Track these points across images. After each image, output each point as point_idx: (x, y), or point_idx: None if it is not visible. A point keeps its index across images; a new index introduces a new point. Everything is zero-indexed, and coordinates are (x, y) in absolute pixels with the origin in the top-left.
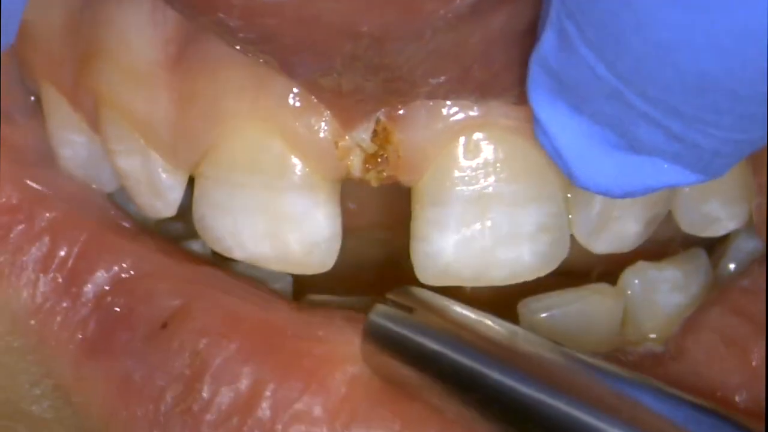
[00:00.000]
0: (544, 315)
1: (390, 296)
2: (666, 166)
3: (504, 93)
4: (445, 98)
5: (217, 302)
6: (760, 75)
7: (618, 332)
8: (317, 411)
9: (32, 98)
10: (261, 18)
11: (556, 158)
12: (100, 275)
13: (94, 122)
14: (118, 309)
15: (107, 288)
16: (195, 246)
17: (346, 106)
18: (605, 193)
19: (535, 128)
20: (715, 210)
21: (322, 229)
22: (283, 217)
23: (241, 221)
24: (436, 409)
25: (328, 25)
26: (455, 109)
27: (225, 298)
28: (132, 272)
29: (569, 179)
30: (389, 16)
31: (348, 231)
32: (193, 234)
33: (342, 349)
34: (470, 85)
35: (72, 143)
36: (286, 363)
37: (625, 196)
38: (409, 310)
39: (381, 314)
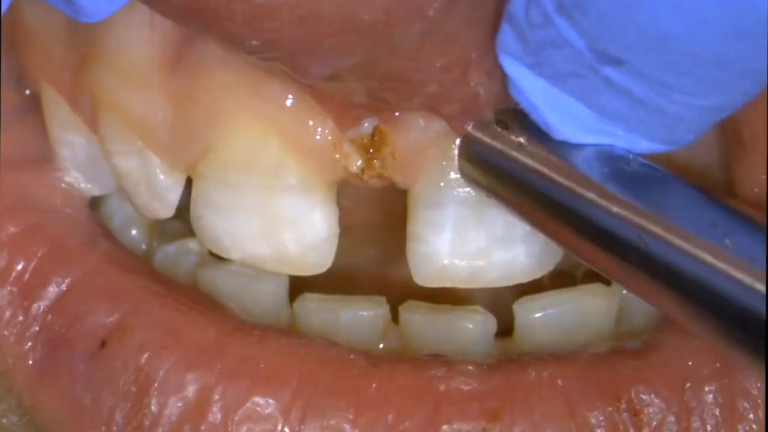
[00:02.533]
0: (539, 314)
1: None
2: (628, 132)
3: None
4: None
5: (154, 316)
6: (720, 37)
7: (612, 331)
8: (269, 408)
9: (21, 103)
10: (261, 22)
11: (532, 112)
12: (50, 291)
13: (93, 123)
14: (57, 329)
15: (50, 306)
16: (192, 245)
17: (344, 109)
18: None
19: (508, 85)
20: None
21: (319, 230)
22: (280, 218)
23: (238, 222)
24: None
25: (329, 19)
26: None
27: (163, 311)
28: (73, 289)
29: (548, 131)
30: None
31: (344, 229)
32: (191, 233)
33: (286, 354)
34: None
35: (71, 144)
36: (230, 366)
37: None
38: (506, 125)
39: (477, 127)
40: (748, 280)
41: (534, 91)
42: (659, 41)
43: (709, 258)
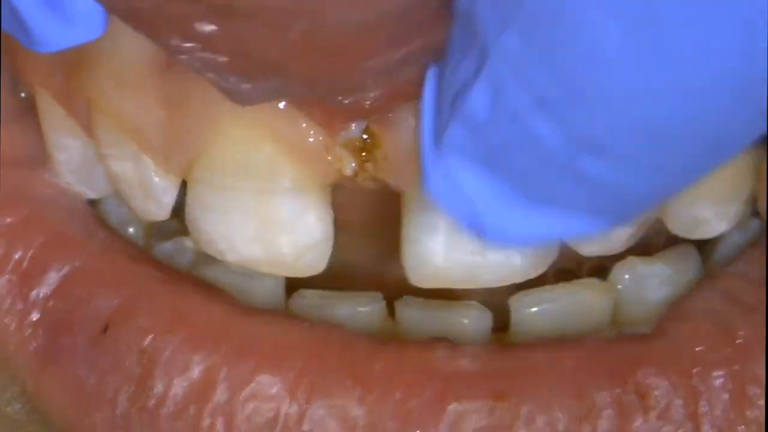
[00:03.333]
0: (534, 309)
1: None
2: (577, 215)
3: None
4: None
5: (157, 300)
6: (722, 108)
7: (609, 327)
8: (275, 387)
9: (17, 105)
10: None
11: (466, 221)
12: (51, 277)
13: (88, 127)
14: (59, 314)
15: (51, 292)
16: (188, 242)
17: (330, 114)
18: (512, 245)
19: (437, 191)
20: (705, 211)
21: (314, 232)
22: (274, 220)
23: (232, 225)
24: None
25: (262, 62)
26: None
27: (166, 295)
28: (75, 275)
29: (476, 233)
30: (322, 60)
31: (339, 225)
32: (187, 231)
33: (292, 335)
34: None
35: (66, 147)
36: (236, 347)
37: (529, 246)
38: None
39: None
40: None
41: (479, 194)
42: (658, 129)
43: None
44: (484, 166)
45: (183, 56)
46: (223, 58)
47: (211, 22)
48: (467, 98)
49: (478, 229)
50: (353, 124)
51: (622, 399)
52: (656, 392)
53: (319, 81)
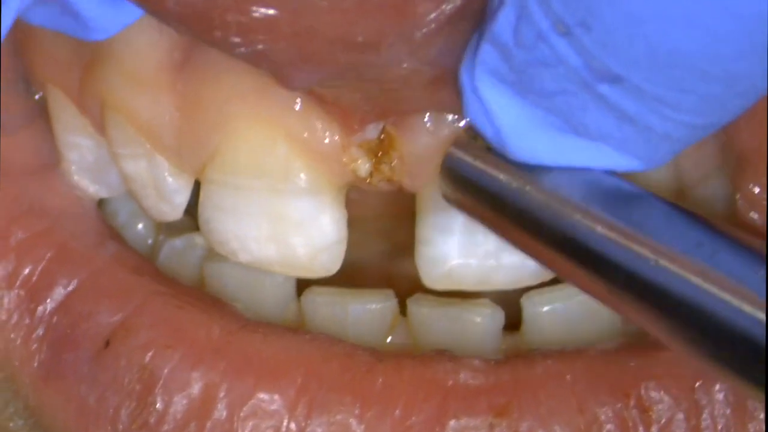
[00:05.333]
0: (547, 308)
1: (471, 131)
2: (609, 150)
3: None
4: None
5: (157, 315)
6: (732, 52)
7: (620, 326)
8: (275, 404)
9: (30, 108)
10: (256, 34)
11: (490, 135)
12: (57, 293)
13: (100, 126)
14: (62, 329)
15: (55, 307)
16: (198, 239)
17: (348, 114)
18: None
19: (469, 105)
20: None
21: (328, 233)
22: (288, 221)
23: (245, 225)
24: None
25: (323, 36)
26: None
27: (167, 310)
28: (78, 291)
29: (505, 153)
30: (383, 21)
31: (351, 222)
32: (197, 227)
33: (291, 350)
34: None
35: (78, 147)
36: (235, 364)
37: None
38: (487, 147)
39: (460, 147)
40: (736, 300)
41: (503, 116)
42: (667, 56)
43: (697, 279)
44: (515, 89)
45: (240, 49)
46: (282, 44)
47: (267, 5)
48: (495, 18)
49: (501, 146)
50: (370, 126)
51: (623, 414)
52: (658, 406)
53: (371, 49)
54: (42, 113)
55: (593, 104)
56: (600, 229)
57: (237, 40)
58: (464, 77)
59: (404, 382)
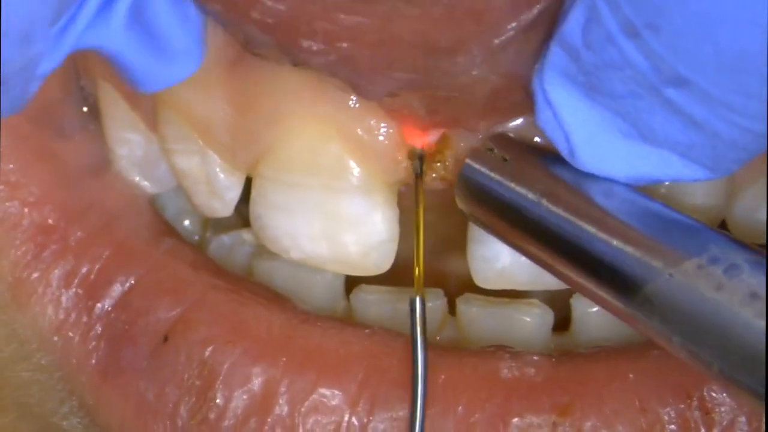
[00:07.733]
0: (596, 309)
1: (488, 143)
2: (675, 159)
3: None
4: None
5: (217, 310)
6: None
7: None
8: (336, 400)
9: (84, 109)
10: (341, 42)
11: (559, 142)
12: (115, 290)
13: (152, 122)
14: (120, 326)
15: (113, 304)
16: (246, 236)
17: (410, 120)
18: (608, 178)
19: (540, 110)
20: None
21: (380, 231)
22: (341, 218)
23: (298, 222)
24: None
25: (406, 43)
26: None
27: (226, 305)
28: (136, 287)
29: (572, 161)
30: (465, 28)
31: (400, 219)
32: (244, 224)
33: (352, 345)
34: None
35: (128, 142)
36: (296, 359)
37: (628, 182)
38: (504, 158)
39: (476, 158)
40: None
41: (572, 121)
42: (734, 60)
43: (712, 294)
44: (583, 91)
45: (320, 59)
46: (366, 51)
47: (356, 13)
48: (565, 21)
49: (570, 153)
50: (432, 133)
51: (686, 415)
52: (721, 408)
53: (450, 55)
54: (93, 121)
55: (660, 108)
56: (616, 243)
57: (321, 47)
58: (535, 82)
59: (466, 379)
